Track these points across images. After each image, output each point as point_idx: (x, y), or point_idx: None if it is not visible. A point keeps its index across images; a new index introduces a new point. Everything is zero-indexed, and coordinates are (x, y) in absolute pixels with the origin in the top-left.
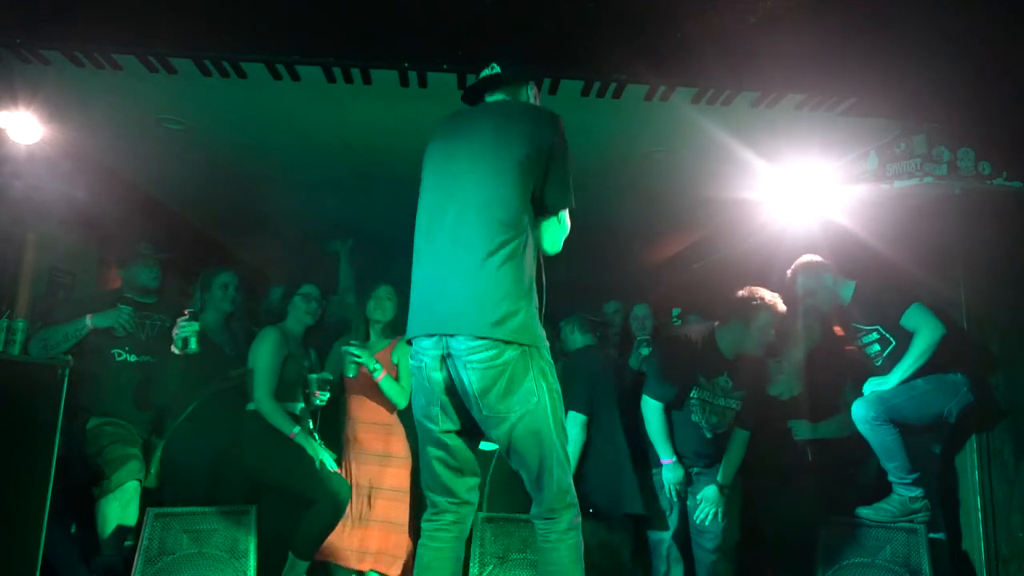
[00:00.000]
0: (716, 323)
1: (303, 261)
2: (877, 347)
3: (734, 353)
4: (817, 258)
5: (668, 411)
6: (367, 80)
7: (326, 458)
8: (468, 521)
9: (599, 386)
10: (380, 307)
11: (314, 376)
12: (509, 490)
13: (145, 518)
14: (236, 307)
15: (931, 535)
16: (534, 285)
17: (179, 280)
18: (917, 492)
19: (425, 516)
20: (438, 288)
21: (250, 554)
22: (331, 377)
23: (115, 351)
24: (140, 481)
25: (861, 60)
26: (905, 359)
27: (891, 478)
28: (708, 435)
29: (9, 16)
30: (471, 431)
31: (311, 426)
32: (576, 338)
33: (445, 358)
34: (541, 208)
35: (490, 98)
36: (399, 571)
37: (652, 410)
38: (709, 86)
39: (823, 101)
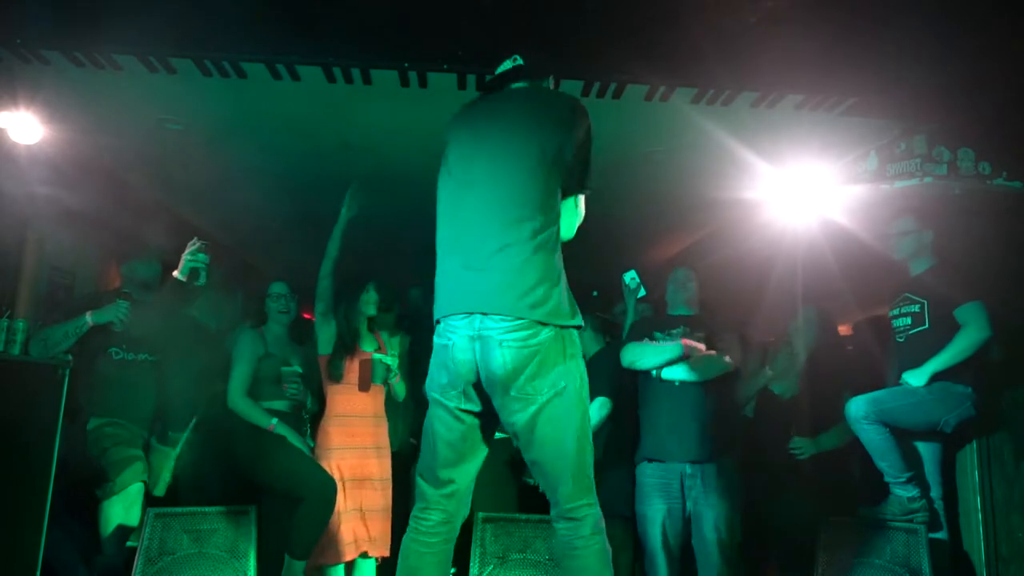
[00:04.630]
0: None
1: (303, 260)
2: (909, 320)
3: (682, 309)
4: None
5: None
6: (367, 80)
7: (306, 449)
8: (457, 523)
9: (619, 384)
10: (374, 302)
11: (284, 370)
12: (495, 489)
13: (145, 518)
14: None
15: (931, 535)
16: (563, 270)
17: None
18: (914, 492)
19: (414, 511)
20: (473, 269)
21: (250, 554)
22: (300, 370)
23: (112, 350)
24: (144, 482)
25: (861, 60)
26: (945, 351)
27: (886, 478)
28: (676, 384)
29: (9, 16)
30: (487, 416)
31: (305, 426)
32: (589, 338)
33: (475, 339)
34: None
35: (512, 87)
36: (388, 551)
37: (630, 346)
38: (709, 86)
39: (823, 101)
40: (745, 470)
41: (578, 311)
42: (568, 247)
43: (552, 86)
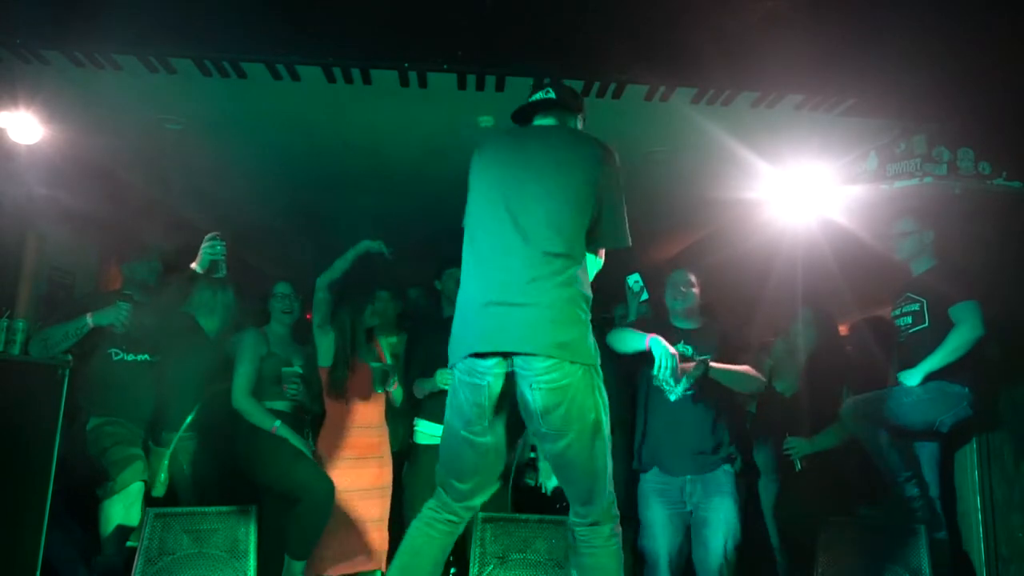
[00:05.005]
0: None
1: (303, 260)
2: (909, 319)
3: (682, 322)
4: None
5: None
6: (367, 80)
7: (308, 451)
8: (466, 522)
9: (612, 383)
10: (378, 313)
11: (285, 370)
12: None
13: (145, 518)
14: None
15: (931, 535)
16: (589, 308)
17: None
18: (914, 492)
19: (431, 504)
20: (502, 304)
21: (250, 554)
22: (301, 371)
23: (112, 350)
24: (145, 482)
25: (861, 60)
26: (938, 351)
27: (886, 479)
28: (672, 398)
29: (9, 16)
30: (509, 441)
31: (306, 427)
32: None
33: (508, 374)
34: (590, 240)
35: (540, 121)
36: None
37: (614, 332)
38: (709, 86)
39: (823, 101)
40: (745, 471)
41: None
42: None
43: (580, 124)
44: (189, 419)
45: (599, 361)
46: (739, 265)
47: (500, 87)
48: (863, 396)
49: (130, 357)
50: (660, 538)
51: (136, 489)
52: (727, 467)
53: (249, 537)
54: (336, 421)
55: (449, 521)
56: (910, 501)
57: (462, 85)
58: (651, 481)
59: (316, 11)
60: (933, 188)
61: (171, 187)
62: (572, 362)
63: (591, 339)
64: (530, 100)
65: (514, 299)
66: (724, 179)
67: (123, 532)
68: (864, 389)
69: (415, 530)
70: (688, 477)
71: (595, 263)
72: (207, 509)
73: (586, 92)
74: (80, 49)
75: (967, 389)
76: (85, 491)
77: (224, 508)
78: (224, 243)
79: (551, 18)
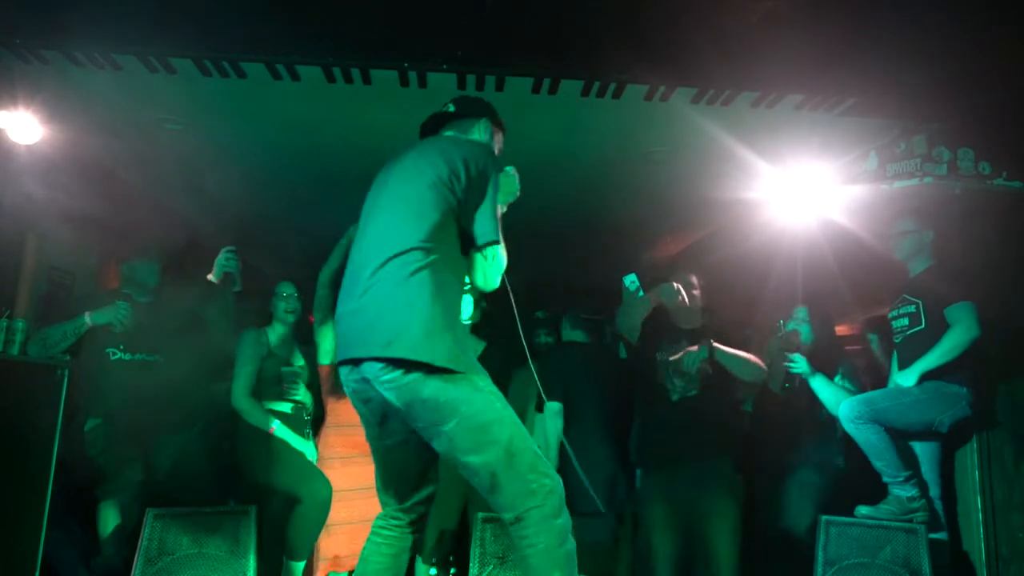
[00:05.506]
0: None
1: (303, 261)
2: (906, 321)
3: (685, 323)
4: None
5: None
6: (367, 80)
7: (308, 451)
8: (413, 528)
9: (572, 379)
10: None
11: (285, 370)
12: None
13: (145, 518)
14: None
15: (931, 535)
16: (448, 306)
17: (177, 281)
18: (913, 492)
19: (375, 518)
20: (346, 313)
21: (250, 554)
22: (298, 370)
23: (109, 350)
24: (142, 482)
25: (861, 60)
26: (933, 351)
27: (885, 479)
28: (675, 397)
29: (9, 16)
30: (409, 442)
31: (307, 427)
32: (566, 333)
33: (364, 380)
34: (470, 241)
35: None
36: None
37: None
38: (709, 86)
39: (823, 101)
40: (745, 470)
41: (461, 353)
42: (568, 247)
43: (489, 132)
44: (192, 416)
45: (449, 360)
46: (739, 265)
47: (500, 87)
48: (861, 396)
49: (128, 356)
50: (659, 536)
51: (134, 488)
52: (726, 465)
53: (249, 537)
54: (337, 419)
55: (394, 527)
56: (909, 501)
57: (462, 85)
58: (650, 479)
59: (316, 11)
60: (933, 188)
61: (171, 187)
62: (408, 359)
63: (434, 340)
64: (433, 114)
65: (353, 306)
66: (724, 179)
67: (121, 532)
68: (863, 389)
69: (367, 542)
70: (687, 475)
71: (486, 264)
72: (207, 509)
73: (586, 92)
74: (80, 49)
75: (965, 389)
76: (85, 491)
77: (224, 508)
78: (237, 257)
79: (551, 18)
